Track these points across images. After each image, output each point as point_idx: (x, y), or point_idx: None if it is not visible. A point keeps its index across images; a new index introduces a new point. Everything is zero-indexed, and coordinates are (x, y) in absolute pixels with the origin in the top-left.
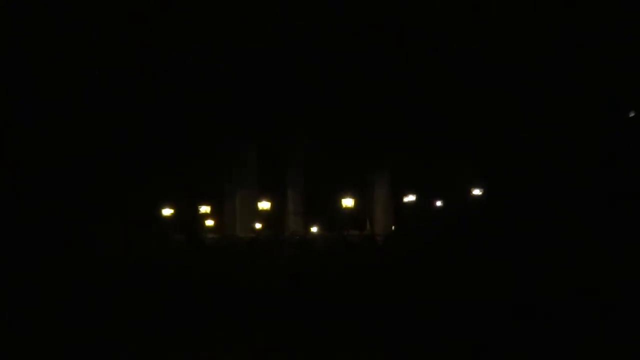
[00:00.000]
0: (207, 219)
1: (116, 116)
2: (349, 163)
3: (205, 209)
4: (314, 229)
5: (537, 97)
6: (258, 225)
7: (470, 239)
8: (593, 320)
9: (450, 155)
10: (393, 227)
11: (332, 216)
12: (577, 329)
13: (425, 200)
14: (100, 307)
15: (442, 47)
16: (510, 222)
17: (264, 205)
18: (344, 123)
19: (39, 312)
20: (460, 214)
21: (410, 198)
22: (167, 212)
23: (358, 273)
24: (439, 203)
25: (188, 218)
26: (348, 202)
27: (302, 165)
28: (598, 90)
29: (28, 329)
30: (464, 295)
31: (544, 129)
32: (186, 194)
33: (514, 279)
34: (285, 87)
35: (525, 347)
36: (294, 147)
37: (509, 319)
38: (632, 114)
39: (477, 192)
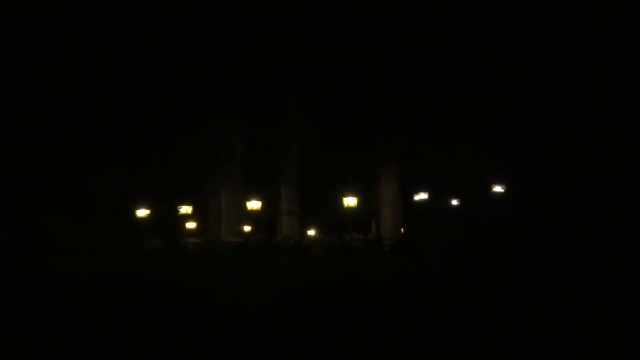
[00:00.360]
0: (188, 221)
1: (80, 100)
2: (351, 155)
3: (185, 209)
4: (311, 232)
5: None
6: (246, 228)
7: (495, 246)
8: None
9: (470, 146)
10: (402, 230)
11: (332, 217)
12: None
13: (440, 198)
14: (58, 329)
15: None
16: (540, 225)
17: (253, 204)
18: (345, 108)
19: None
20: (482, 215)
21: (422, 196)
22: (141, 213)
23: (362, 285)
24: (455, 202)
25: (166, 220)
26: (350, 201)
27: (296, 158)
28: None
29: None
30: (485, 316)
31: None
32: (164, 192)
33: (547, 298)
34: (277, 65)
35: None
36: (288, 137)
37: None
38: None
39: (499, 189)
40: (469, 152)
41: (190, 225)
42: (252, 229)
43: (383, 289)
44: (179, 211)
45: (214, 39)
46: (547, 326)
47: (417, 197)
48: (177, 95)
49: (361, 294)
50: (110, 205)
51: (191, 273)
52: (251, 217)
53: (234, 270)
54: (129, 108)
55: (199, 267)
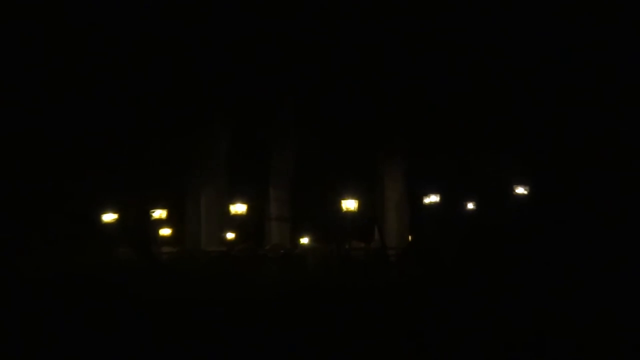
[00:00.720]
0: (162, 227)
1: (42, 93)
2: (351, 152)
3: (159, 213)
4: (305, 241)
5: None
6: (230, 236)
7: (518, 257)
8: None
9: (487, 142)
10: (410, 238)
11: (329, 223)
12: None
13: (453, 201)
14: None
15: None
16: (571, 233)
17: (238, 208)
18: (345, 99)
19: None
20: (502, 220)
21: (432, 199)
22: (108, 217)
23: (364, 303)
24: (471, 205)
25: (137, 226)
26: (350, 205)
27: (289, 156)
28: None
29: None
30: (509, 340)
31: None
32: (135, 193)
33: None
34: (267, 51)
35: None
36: (279, 131)
37: None
38: None
39: (521, 190)
40: (485, 149)
41: (165, 231)
42: (236, 237)
43: (388, 306)
44: (151, 215)
45: (199, 29)
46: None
47: (426, 200)
48: (152, 85)
49: (363, 313)
50: (72, 209)
51: (165, 287)
52: (235, 222)
53: (215, 284)
54: (97, 100)
55: (174, 280)
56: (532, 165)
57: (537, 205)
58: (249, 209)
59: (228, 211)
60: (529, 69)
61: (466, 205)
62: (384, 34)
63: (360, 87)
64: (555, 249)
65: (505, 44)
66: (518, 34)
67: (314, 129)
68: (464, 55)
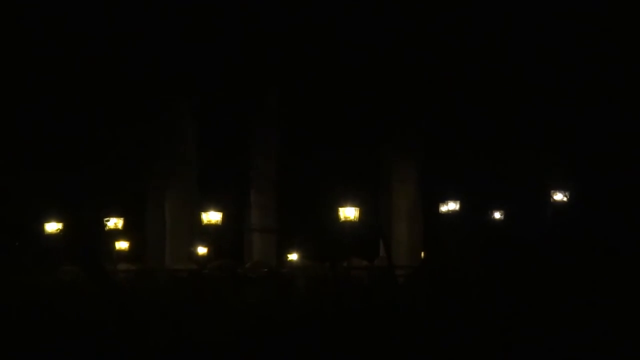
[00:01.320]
0: (118, 239)
1: None
2: (352, 150)
3: (114, 222)
4: (293, 257)
5: None
6: (201, 251)
7: (562, 280)
8: None
9: (519, 139)
10: (423, 255)
11: (323, 236)
12: None
13: (475, 210)
14: None
15: None
16: (618, 248)
17: (211, 217)
18: (344, 80)
19: None
20: (535, 234)
21: (451, 206)
22: (51, 227)
23: (365, 335)
24: (499, 215)
25: (86, 238)
26: (349, 214)
27: (274, 154)
28: None
29: None
30: None
31: None
32: (83, 198)
33: None
34: (248, 20)
35: None
36: (261, 124)
37: None
38: None
39: (560, 197)
40: (516, 147)
41: (121, 245)
42: (209, 252)
43: (395, 341)
44: (104, 225)
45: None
46: None
47: (443, 208)
48: (105, 68)
49: (364, 349)
50: (6, 218)
51: (121, 314)
52: (208, 234)
53: (181, 312)
54: (35, 86)
55: (133, 305)
56: (574, 166)
57: (580, 215)
58: (224, 218)
59: (199, 220)
60: (572, 57)
61: (492, 214)
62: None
63: (362, 71)
64: (604, 269)
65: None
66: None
67: (304, 121)
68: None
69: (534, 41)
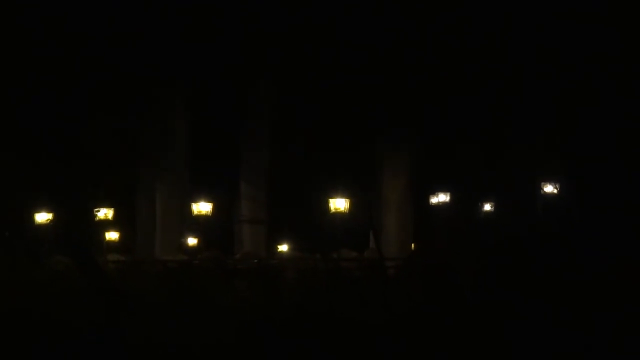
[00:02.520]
0: (108, 230)
1: None
2: (342, 141)
3: (105, 212)
4: (283, 248)
5: None
6: (192, 242)
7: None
8: None
9: (510, 129)
10: (414, 246)
11: (314, 228)
12: None
13: (467, 201)
14: None
15: None
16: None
17: (201, 208)
18: (335, 74)
19: None
20: (529, 225)
21: (441, 198)
22: (41, 217)
23: (356, 330)
24: (488, 207)
25: (76, 228)
26: (339, 204)
27: (264, 144)
28: None
29: None
30: None
31: None
32: (73, 189)
33: None
34: (239, 14)
35: None
36: (253, 109)
37: None
38: None
39: (550, 189)
40: (507, 137)
41: (112, 236)
42: (199, 243)
43: (386, 336)
44: (95, 216)
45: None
46: None
47: (434, 200)
48: (97, 57)
49: (355, 344)
50: None
51: (112, 305)
52: (198, 225)
53: (170, 303)
54: (30, 73)
55: (123, 297)
56: (566, 157)
57: (573, 206)
58: (214, 209)
59: (189, 211)
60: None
61: (484, 206)
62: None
63: (352, 59)
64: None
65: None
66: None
67: (296, 113)
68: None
69: (527, 37)
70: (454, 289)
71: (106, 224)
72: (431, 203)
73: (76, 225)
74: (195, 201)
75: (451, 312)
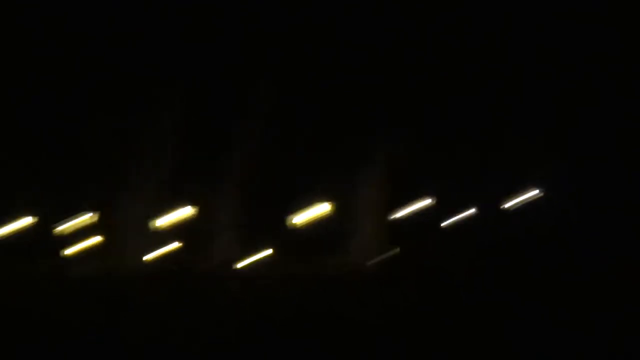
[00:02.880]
0: (90, 235)
1: None
2: (320, 143)
3: (83, 217)
4: (261, 255)
5: None
6: (168, 247)
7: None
8: None
9: (490, 131)
10: (392, 251)
11: (292, 232)
12: None
13: (440, 209)
14: None
15: None
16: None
17: (181, 211)
18: (312, 77)
19: None
20: (502, 231)
21: (423, 203)
22: (21, 222)
23: (338, 334)
24: (469, 212)
25: (54, 233)
26: (319, 210)
27: (242, 144)
28: None
29: None
30: None
31: None
32: (53, 192)
33: None
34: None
35: None
36: (229, 111)
37: None
38: None
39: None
40: (487, 140)
41: (92, 240)
42: (178, 248)
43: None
44: (73, 220)
45: None
46: None
47: (415, 206)
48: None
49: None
50: None
51: (81, 315)
52: (172, 230)
53: (150, 309)
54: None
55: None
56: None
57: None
58: (195, 213)
59: (160, 216)
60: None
61: (463, 210)
62: None
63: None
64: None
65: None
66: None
67: (274, 110)
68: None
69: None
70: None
71: (85, 228)
72: (411, 207)
73: (53, 229)
74: (168, 206)
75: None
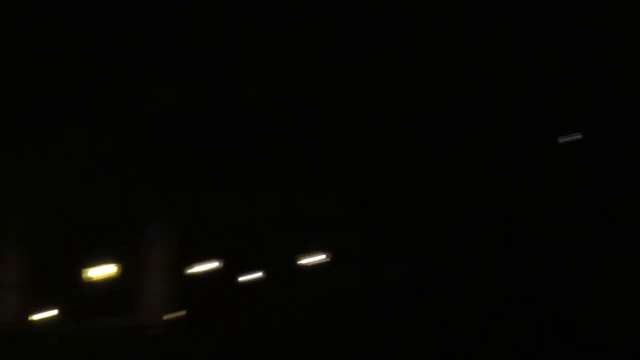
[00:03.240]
0: None
1: None
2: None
3: None
4: (41, 316)
5: None
6: None
7: None
8: None
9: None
10: (175, 314)
11: (75, 293)
12: None
13: (231, 269)
14: None
15: None
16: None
17: None
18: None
19: None
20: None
21: (207, 265)
22: None
23: None
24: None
25: None
26: (102, 271)
27: (13, 196)
28: None
29: None
30: None
31: None
32: None
33: None
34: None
35: None
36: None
37: None
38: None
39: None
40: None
41: None
42: None
43: None
44: None
45: None
46: None
47: (199, 267)
48: None
49: None
50: None
51: None
52: None
53: None
54: None
55: None
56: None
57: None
58: None
59: None
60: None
61: (252, 273)
62: None
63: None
64: None
65: None
66: None
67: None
68: None
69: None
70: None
71: None
72: (196, 270)
73: None
74: None
75: None
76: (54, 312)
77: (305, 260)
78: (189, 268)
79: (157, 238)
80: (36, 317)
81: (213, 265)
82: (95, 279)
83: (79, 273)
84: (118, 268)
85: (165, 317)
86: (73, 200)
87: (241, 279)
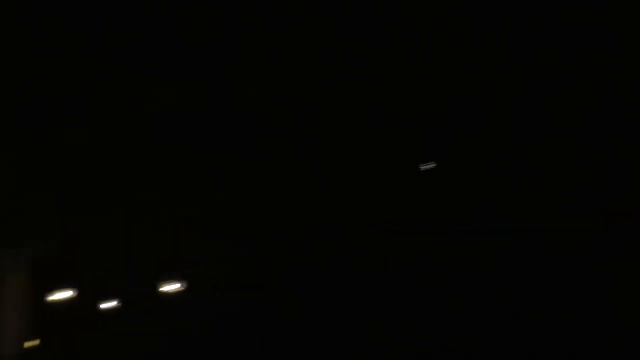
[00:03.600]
0: None
1: None
2: None
3: None
4: None
5: None
6: None
7: None
8: None
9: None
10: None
11: None
12: None
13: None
14: None
15: None
16: None
17: None
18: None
19: None
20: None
21: (66, 294)
22: None
23: None
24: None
25: None
26: None
27: None
28: None
29: None
30: None
31: None
32: None
33: None
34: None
35: None
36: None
37: None
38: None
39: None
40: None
41: None
42: None
43: None
44: None
45: None
46: None
47: (56, 296)
48: None
49: None
50: None
51: None
52: None
53: None
54: None
55: None
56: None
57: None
58: None
59: None
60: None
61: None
62: None
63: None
64: None
65: None
66: None
67: None
68: None
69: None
70: None
71: None
72: (53, 299)
73: None
74: None
75: None
76: None
77: (165, 288)
78: (46, 296)
79: (12, 265)
80: None
81: (70, 293)
82: None
83: None
84: None
85: (22, 346)
86: None
87: (100, 306)
